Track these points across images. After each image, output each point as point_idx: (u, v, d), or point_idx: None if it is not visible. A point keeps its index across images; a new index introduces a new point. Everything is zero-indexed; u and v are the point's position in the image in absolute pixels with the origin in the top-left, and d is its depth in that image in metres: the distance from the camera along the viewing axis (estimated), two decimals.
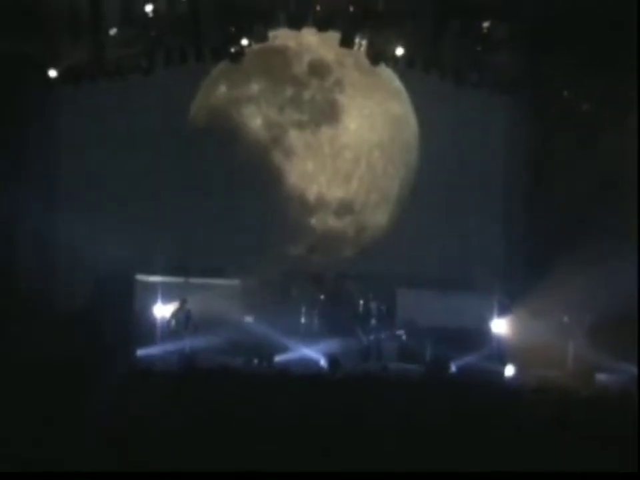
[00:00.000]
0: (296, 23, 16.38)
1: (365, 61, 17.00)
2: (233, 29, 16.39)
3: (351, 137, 17.76)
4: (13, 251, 16.36)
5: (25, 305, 15.51)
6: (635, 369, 15.23)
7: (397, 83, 17.75)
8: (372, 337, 16.75)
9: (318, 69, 17.77)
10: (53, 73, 16.25)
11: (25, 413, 11.67)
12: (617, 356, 15.60)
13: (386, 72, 17.77)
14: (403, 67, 17.16)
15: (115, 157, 16.97)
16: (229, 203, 17.23)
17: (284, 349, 16.15)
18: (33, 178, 16.44)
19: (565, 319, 16.31)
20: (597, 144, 16.20)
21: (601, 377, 15.53)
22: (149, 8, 15.88)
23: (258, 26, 16.46)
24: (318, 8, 16.34)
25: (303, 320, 17.19)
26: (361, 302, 17.16)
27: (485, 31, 16.25)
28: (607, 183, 16.18)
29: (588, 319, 15.74)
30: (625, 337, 15.33)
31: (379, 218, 17.85)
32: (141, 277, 16.88)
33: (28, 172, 16.40)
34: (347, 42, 16.49)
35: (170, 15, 16.05)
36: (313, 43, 17.66)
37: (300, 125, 17.70)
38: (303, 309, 17.22)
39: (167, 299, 17.10)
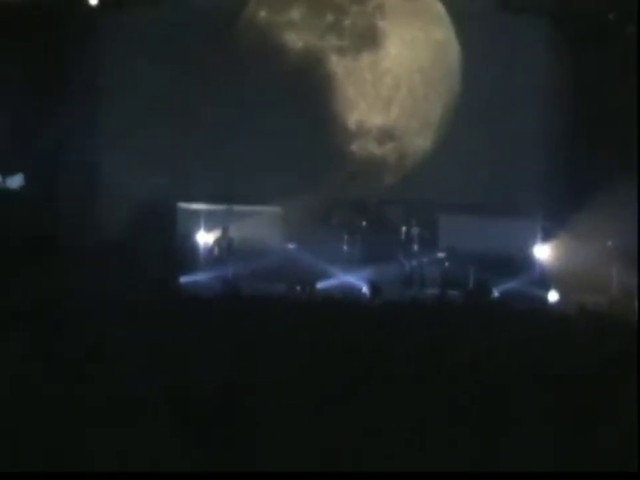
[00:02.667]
0: None
1: None
2: None
3: (391, 62, 17.63)
4: (58, 181, 16.50)
5: (69, 234, 15.67)
6: None
7: (439, 7, 17.51)
8: (414, 264, 16.84)
9: None
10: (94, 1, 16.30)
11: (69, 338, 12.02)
12: None
13: None
14: None
15: (157, 86, 16.85)
16: (271, 130, 17.03)
17: (326, 276, 16.23)
18: (77, 108, 16.47)
19: (609, 243, 16.23)
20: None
21: None
22: None
23: None
24: None
25: (345, 247, 17.22)
26: (403, 229, 17.17)
27: None
28: None
29: (625, 244, 15.72)
30: None
31: (420, 144, 17.72)
32: (184, 205, 16.89)
33: (72, 101, 16.45)
34: None
35: None
36: None
37: (340, 51, 17.55)
38: (345, 236, 17.26)
39: (210, 226, 17.04)
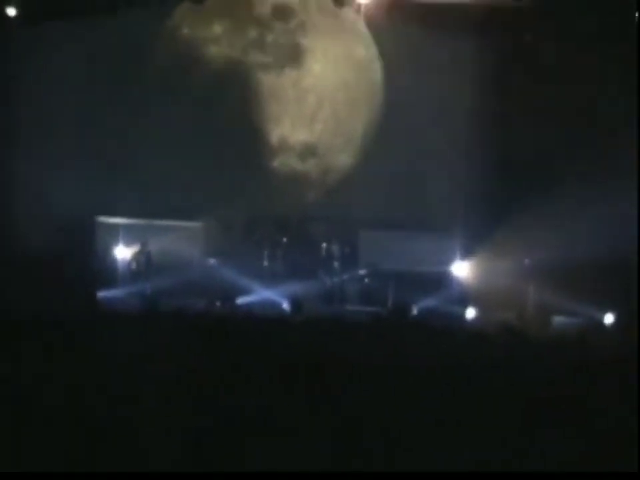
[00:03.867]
0: None
1: (329, 4, 17.46)
2: None
3: (314, 79, 17.68)
4: None
5: None
6: (594, 313, 15.75)
7: (361, 26, 17.64)
8: (335, 280, 17.02)
9: (281, 11, 17.65)
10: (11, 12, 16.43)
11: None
12: (577, 300, 15.53)
13: (350, 15, 17.61)
14: (367, 9, 17.22)
15: (74, 102, 16.94)
16: (192, 145, 17.22)
17: (247, 292, 16.32)
18: None
19: (526, 261, 16.41)
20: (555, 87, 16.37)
21: (559, 319, 15.87)
22: None
23: None
24: None
25: (266, 263, 17.35)
26: (324, 245, 17.36)
27: None
28: (569, 124, 16.40)
29: (546, 262, 15.74)
30: (585, 281, 15.37)
31: (342, 161, 17.81)
32: (103, 219, 16.92)
33: None
34: None
35: None
36: None
37: (263, 67, 17.62)
38: (266, 252, 17.39)
39: (129, 240, 17.16)
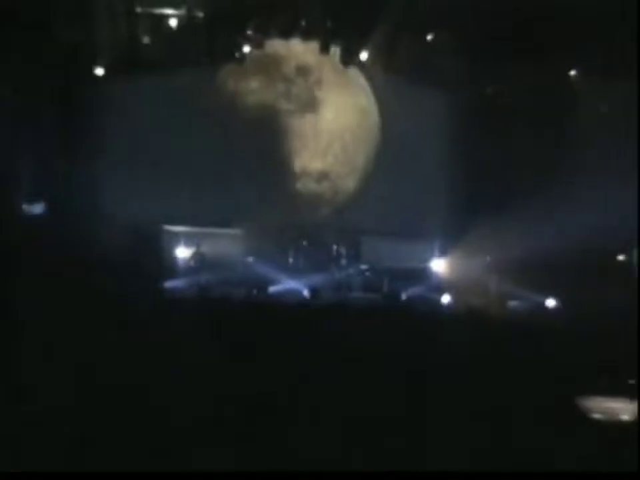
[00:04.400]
0: (286, 34, 16.87)
1: (339, 64, 17.27)
2: (238, 38, 16.81)
3: (327, 123, 17.45)
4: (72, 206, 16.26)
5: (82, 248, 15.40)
6: (540, 298, 15.44)
7: (362, 81, 17.60)
8: (342, 274, 16.80)
9: (302, 70, 17.40)
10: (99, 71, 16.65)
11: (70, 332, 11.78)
12: (526, 288, 15.37)
13: (354, 73, 17.48)
14: (367, 69, 17.19)
15: (150, 137, 16.61)
16: (237, 171, 16.95)
17: (276, 282, 16.23)
18: (76, 149, 16.32)
19: (488, 259, 16.16)
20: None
21: (512, 303, 15.63)
22: (173, 23, 16.49)
23: (256, 36, 16.88)
24: (303, 23, 16.75)
25: (290, 260, 17.09)
26: (334, 247, 17.15)
27: (428, 40, 16.72)
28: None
29: (500, 260, 15.68)
30: (533, 273, 15.18)
31: (349, 184, 17.60)
32: (168, 227, 16.78)
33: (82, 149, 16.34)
34: (324, 49, 17.05)
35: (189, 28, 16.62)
36: (299, 50, 17.32)
37: (289, 114, 17.37)
38: (291, 252, 17.12)
39: (187, 244, 16.84)
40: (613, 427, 9.88)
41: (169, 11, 16.83)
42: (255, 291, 16.09)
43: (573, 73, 16.58)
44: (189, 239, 16.98)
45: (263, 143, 17.20)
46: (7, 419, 8.87)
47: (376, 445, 8.72)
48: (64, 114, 16.16)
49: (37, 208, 16.45)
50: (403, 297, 16.07)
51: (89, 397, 9.59)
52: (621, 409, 10.26)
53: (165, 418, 9.08)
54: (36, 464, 8.25)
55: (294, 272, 16.72)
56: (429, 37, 16.79)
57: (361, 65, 17.29)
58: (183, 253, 17.00)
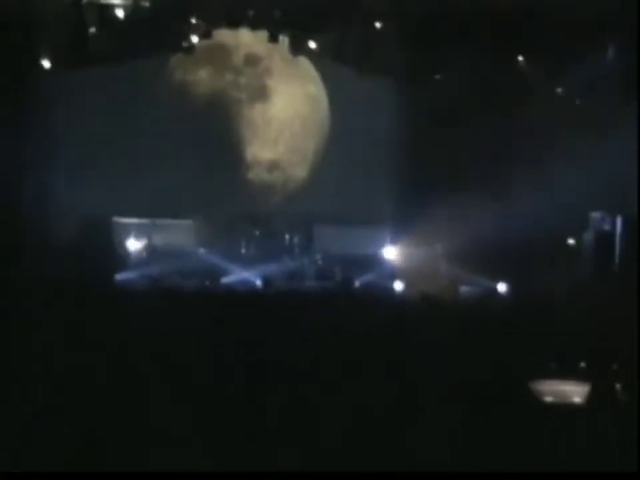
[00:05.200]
0: (234, 24, 16.86)
1: (288, 54, 17.29)
2: (187, 28, 16.78)
3: (277, 112, 17.50)
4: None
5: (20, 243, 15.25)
6: (491, 283, 15.75)
7: (312, 70, 17.67)
8: (295, 262, 16.91)
9: (251, 60, 17.47)
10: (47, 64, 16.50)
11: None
12: (475, 273, 15.67)
13: (304, 62, 17.54)
14: (316, 58, 17.33)
15: (98, 129, 16.68)
16: (185, 160, 16.91)
17: (229, 273, 16.30)
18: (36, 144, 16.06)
19: (438, 246, 16.38)
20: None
21: (464, 289, 15.87)
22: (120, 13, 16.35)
23: (205, 25, 16.84)
24: (251, 12, 16.73)
25: (243, 250, 17.19)
26: (287, 236, 17.28)
27: (377, 28, 16.85)
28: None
29: (451, 245, 15.89)
30: (482, 258, 15.34)
31: (299, 173, 17.65)
32: (118, 219, 16.83)
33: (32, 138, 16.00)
34: (273, 38, 17.06)
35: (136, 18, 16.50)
36: (248, 39, 17.36)
37: (239, 103, 17.41)
38: (243, 242, 17.20)
39: (137, 236, 16.92)
40: (566, 410, 10.00)
41: (115, 1, 16.68)
42: (207, 282, 16.06)
43: (521, 58, 16.73)
44: (140, 231, 16.96)
45: (213, 132, 17.16)
46: None
47: (331, 436, 8.73)
48: (12, 106, 15.87)
49: None
50: (356, 284, 16.16)
51: (39, 394, 9.51)
52: (573, 392, 10.43)
53: (120, 412, 9.04)
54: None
55: (246, 262, 16.75)
56: (378, 25, 16.94)
57: (310, 54, 17.34)
58: (134, 244, 16.95)
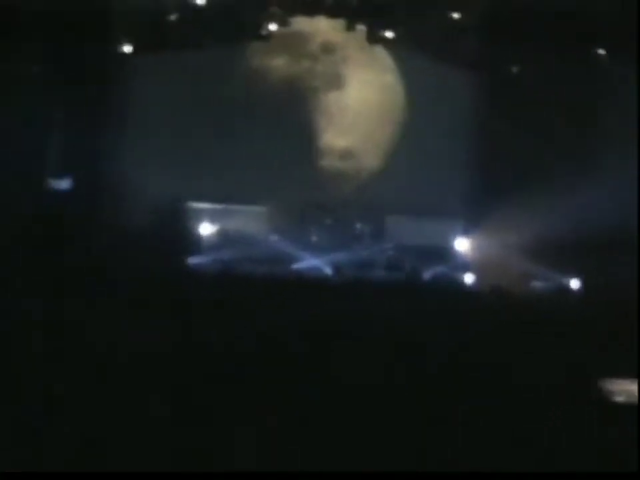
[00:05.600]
0: (311, 12, 16.95)
1: (365, 42, 17.29)
2: (264, 15, 16.93)
3: (352, 100, 17.53)
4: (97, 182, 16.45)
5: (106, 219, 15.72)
6: (562, 278, 15.75)
7: (388, 59, 17.62)
8: (366, 252, 16.91)
9: (327, 48, 17.53)
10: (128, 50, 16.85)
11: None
12: (550, 268, 15.66)
13: (380, 50, 17.50)
14: (393, 47, 17.27)
15: (175, 114, 16.81)
16: (262, 149, 17.03)
17: (299, 260, 16.47)
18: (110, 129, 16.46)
19: (511, 239, 15.95)
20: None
21: (536, 284, 15.87)
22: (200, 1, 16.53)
23: (281, 13, 16.98)
24: (329, 0, 16.85)
25: (314, 238, 17.24)
26: (358, 225, 17.29)
27: (455, 19, 16.78)
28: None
29: (528, 239, 15.68)
30: (554, 252, 15.37)
31: (373, 162, 17.58)
32: (192, 204, 17.01)
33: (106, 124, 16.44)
34: (350, 26, 17.11)
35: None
36: (325, 27, 17.41)
37: (314, 91, 17.48)
38: (314, 230, 17.28)
39: (211, 221, 17.03)
40: (633, 409, 9.84)
41: None
42: (278, 268, 16.18)
43: (596, 53, 16.58)
44: (212, 216, 17.11)
45: (287, 120, 17.27)
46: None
47: (405, 427, 8.75)
48: (89, 91, 16.28)
49: (63, 184, 16.62)
50: (426, 275, 16.19)
51: (112, 375, 9.65)
52: None
53: (188, 398, 9.17)
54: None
55: (317, 249, 16.86)
56: (456, 16, 16.83)
57: (387, 43, 17.30)
58: (206, 229, 17.08)
